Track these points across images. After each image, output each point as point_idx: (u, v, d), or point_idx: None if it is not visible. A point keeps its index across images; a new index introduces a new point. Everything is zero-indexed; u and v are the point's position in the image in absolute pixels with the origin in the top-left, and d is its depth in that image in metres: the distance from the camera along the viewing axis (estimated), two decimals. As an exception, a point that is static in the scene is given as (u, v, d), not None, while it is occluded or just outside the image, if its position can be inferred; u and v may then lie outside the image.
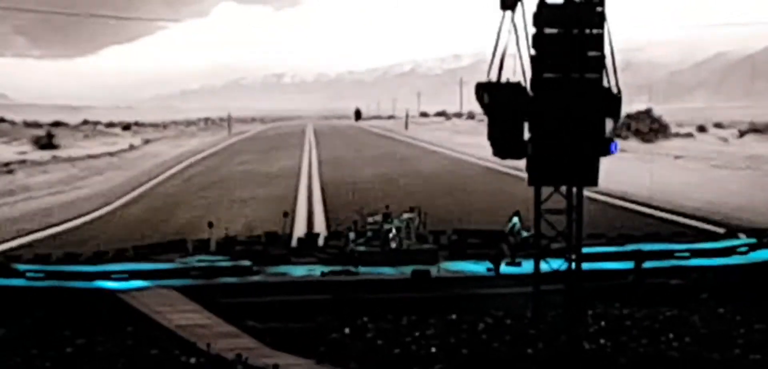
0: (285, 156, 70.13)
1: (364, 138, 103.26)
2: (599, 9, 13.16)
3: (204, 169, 59.69)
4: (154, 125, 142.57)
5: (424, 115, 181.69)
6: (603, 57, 13.25)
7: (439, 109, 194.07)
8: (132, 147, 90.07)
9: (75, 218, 34.83)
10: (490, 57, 13.60)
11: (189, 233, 21.77)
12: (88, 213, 36.95)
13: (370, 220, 18.88)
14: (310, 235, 21.70)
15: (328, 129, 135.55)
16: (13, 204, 40.74)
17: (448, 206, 22.95)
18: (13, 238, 27.98)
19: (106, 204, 40.60)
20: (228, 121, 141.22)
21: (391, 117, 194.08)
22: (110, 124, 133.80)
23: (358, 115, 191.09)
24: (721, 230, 22.89)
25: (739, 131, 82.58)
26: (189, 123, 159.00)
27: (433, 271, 17.00)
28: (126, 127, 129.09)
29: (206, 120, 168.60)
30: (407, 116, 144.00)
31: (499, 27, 13.59)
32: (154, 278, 16.53)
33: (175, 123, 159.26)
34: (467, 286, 16.71)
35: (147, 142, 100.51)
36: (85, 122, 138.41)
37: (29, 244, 25.23)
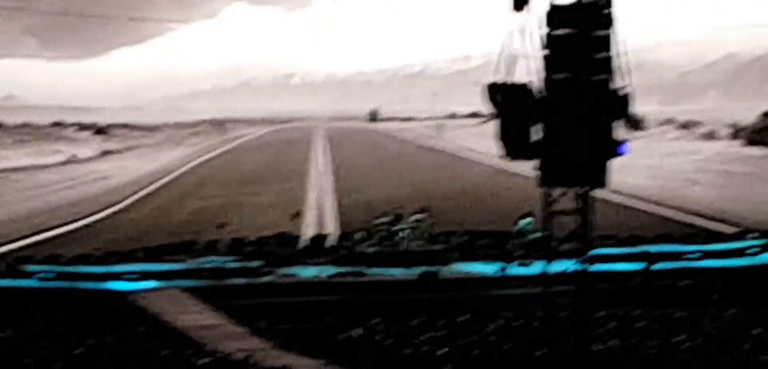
0: (272, 208, 32.89)
1: (407, 154, 73.73)
2: (609, 10, 13.11)
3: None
4: (148, 128, 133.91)
5: (452, 117, 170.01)
6: (612, 58, 13.21)
7: (458, 109, 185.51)
8: (71, 160, 67.36)
9: None
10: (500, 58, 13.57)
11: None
12: None
13: (379, 221, 18.86)
14: (320, 236, 21.69)
15: (344, 136, 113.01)
16: None
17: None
18: None
19: None
20: (223, 126, 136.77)
21: (409, 119, 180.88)
22: (88, 127, 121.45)
23: (374, 116, 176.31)
24: (731, 230, 22.80)
25: None
26: (192, 124, 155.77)
27: (444, 272, 16.98)
28: (99, 130, 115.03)
29: (211, 121, 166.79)
30: (443, 119, 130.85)
31: (509, 28, 13.57)
32: (164, 279, 16.54)
33: (179, 124, 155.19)
34: (477, 287, 16.68)
35: (105, 154, 76.69)
36: (56, 124, 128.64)
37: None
